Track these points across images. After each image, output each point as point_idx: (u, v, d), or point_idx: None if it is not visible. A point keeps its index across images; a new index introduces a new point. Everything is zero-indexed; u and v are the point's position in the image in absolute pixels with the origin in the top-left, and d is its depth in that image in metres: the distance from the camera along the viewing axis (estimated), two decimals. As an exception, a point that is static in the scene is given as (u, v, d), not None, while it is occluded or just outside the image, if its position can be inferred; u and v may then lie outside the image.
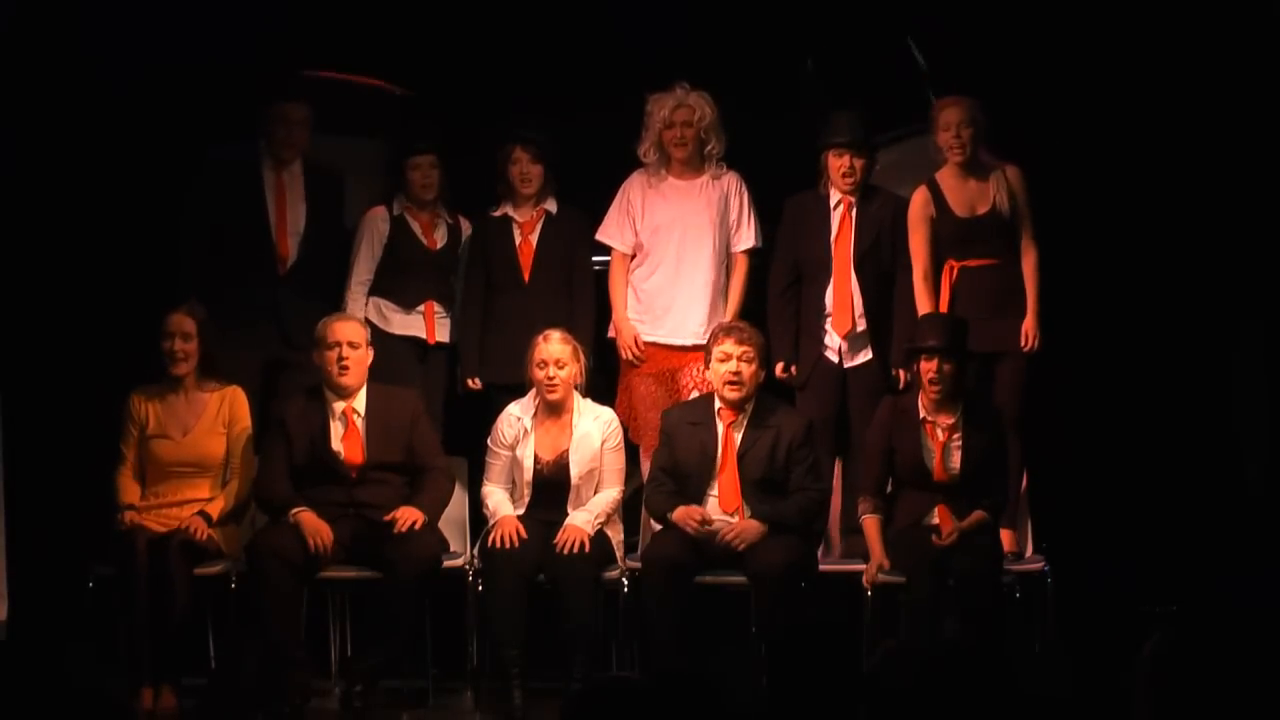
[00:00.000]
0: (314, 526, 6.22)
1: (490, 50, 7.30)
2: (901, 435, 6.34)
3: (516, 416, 6.50)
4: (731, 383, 6.32)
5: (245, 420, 6.46)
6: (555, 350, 6.41)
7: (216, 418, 6.42)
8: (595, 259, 7.07)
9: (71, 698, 3.05)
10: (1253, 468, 7.12)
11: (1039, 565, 6.44)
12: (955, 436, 6.32)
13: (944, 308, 6.64)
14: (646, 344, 6.85)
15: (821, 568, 6.42)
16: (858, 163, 6.72)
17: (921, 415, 6.34)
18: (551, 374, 6.39)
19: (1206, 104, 7.09)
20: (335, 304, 6.80)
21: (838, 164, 6.74)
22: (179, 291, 6.59)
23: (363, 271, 6.92)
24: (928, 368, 6.29)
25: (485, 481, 6.51)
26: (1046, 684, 6.01)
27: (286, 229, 6.85)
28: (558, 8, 7.27)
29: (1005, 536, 6.45)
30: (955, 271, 6.68)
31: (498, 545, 6.23)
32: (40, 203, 7.07)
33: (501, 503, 6.42)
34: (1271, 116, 7.03)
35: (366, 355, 6.44)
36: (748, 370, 6.33)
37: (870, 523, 6.33)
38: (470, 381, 6.87)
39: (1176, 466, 7.13)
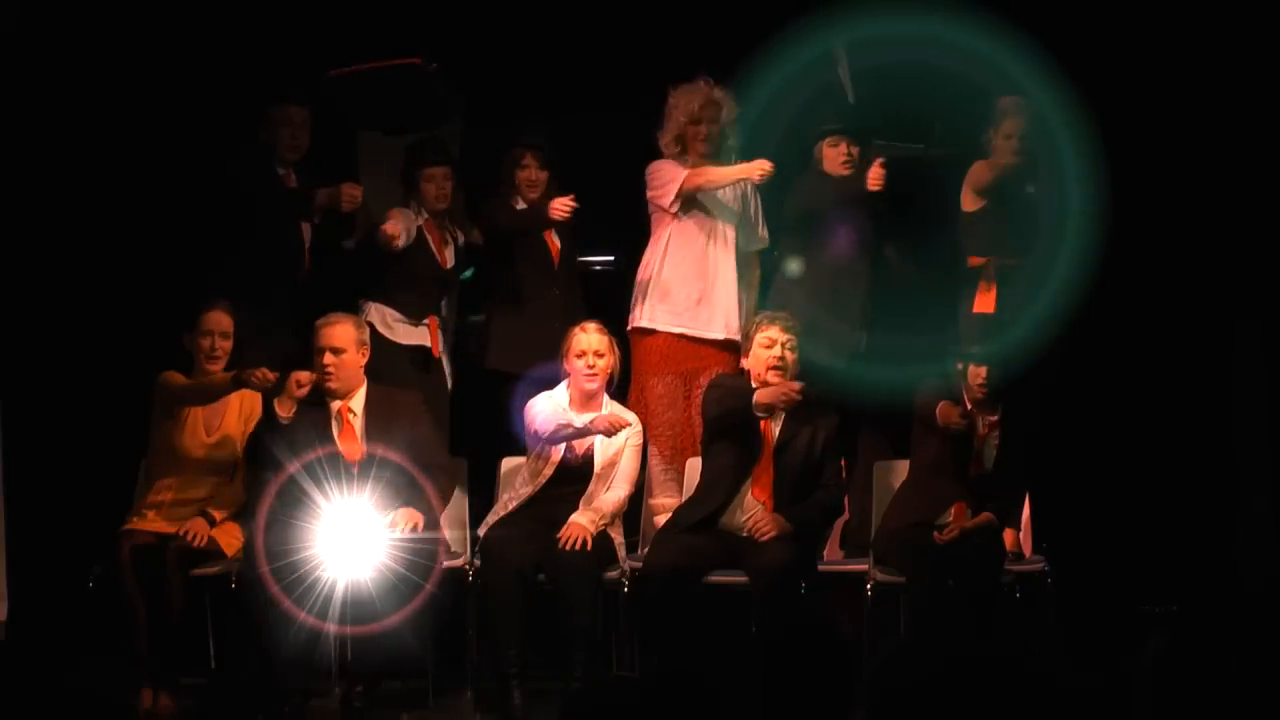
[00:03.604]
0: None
1: (490, 49, 7.31)
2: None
3: (554, 398, 6.52)
4: (775, 367, 6.33)
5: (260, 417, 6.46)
6: (594, 341, 6.50)
7: (239, 415, 6.43)
8: (591, 259, 7.10)
9: (71, 698, 3.05)
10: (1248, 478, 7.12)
11: (1039, 565, 6.44)
12: (994, 435, 6.34)
13: (991, 306, 6.64)
14: (672, 336, 6.83)
15: (821, 568, 6.42)
16: (854, 149, 6.72)
17: (969, 407, 6.36)
18: (592, 363, 6.48)
19: (1202, 105, 7.10)
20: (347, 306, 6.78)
21: (834, 153, 6.74)
22: (209, 289, 6.54)
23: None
24: (975, 373, 6.32)
25: None
26: (1046, 684, 6.00)
27: (306, 234, 6.88)
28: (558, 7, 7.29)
29: (1006, 536, 6.46)
30: (994, 269, 6.69)
31: None
32: (39, 205, 7.08)
33: None
34: (1267, 118, 7.04)
35: (357, 358, 6.37)
36: (791, 358, 6.35)
37: None
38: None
39: (1176, 466, 7.13)
